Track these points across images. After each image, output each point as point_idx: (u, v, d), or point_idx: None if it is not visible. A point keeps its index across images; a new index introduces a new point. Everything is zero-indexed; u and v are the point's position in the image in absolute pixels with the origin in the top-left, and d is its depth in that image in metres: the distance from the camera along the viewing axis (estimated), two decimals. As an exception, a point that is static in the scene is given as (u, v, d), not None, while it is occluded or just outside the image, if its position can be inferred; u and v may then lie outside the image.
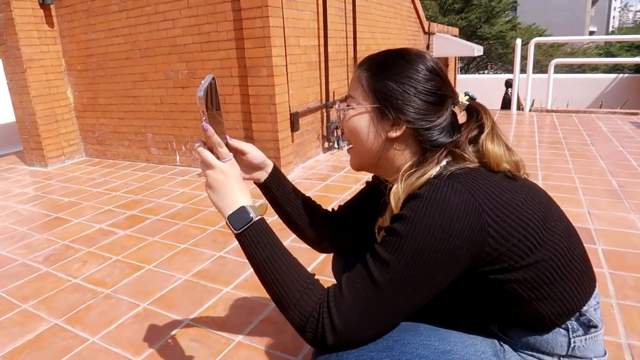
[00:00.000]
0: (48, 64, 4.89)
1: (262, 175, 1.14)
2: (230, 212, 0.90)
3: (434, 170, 0.87)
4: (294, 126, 3.89)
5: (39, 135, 4.85)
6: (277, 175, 1.17)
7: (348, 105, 0.97)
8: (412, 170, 0.89)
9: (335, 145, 4.69)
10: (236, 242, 0.91)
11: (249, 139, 3.89)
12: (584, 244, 0.94)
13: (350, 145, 1.01)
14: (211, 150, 0.94)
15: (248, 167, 1.11)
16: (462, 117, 0.98)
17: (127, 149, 4.91)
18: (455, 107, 0.95)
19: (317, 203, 1.25)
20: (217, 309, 1.96)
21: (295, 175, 3.92)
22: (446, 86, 0.93)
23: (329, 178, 3.75)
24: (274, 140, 3.74)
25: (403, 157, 0.94)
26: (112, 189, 3.94)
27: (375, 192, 1.13)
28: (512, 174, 0.89)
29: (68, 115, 5.14)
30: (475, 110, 0.94)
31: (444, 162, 0.89)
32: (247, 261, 0.91)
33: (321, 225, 1.22)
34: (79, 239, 2.89)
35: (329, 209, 1.27)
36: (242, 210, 0.90)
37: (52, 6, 4.84)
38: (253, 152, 1.09)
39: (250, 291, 2.07)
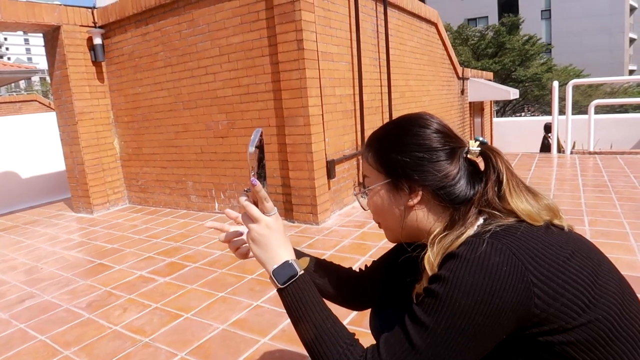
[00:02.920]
0: (98, 116, 5.20)
1: None
2: (275, 266, 0.90)
3: (471, 230, 0.84)
4: (330, 173, 3.93)
5: (87, 183, 5.09)
6: None
7: (365, 187, 1.00)
8: (444, 234, 0.87)
9: (372, 192, 4.68)
10: (273, 291, 0.92)
11: (286, 186, 3.95)
12: (639, 294, 0.88)
13: (379, 223, 1.03)
14: (256, 204, 0.95)
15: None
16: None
17: (168, 197, 5.07)
18: (468, 155, 0.93)
19: (337, 264, 1.24)
20: (254, 361, 1.94)
21: (332, 222, 3.93)
22: (451, 139, 0.93)
23: (365, 225, 3.74)
24: (311, 188, 3.78)
25: (428, 220, 0.93)
26: (153, 236, 4.05)
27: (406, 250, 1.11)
28: (555, 225, 0.85)
29: (114, 165, 5.39)
30: (487, 155, 0.92)
31: (480, 221, 0.86)
32: (284, 311, 0.91)
33: (348, 286, 1.20)
34: (121, 285, 2.96)
35: (362, 267, 1.25)
36: (287, 265, 0.90)
37: (103, 63, 5.20)
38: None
39: (287, 343, 2.04)
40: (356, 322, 2.12)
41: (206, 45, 4.27)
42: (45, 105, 11.72)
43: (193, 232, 4.04)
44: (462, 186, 0.89)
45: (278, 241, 0.93)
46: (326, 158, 3.93)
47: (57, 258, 3.71)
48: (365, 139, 1.02)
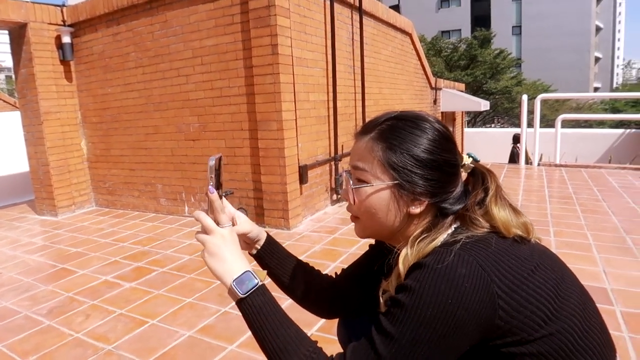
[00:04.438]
0: (64, 116, 5.04)
1: (256, 246, 1.13)
2: (235, 277, 0.88)
3: (442, 236, 0.85)
4: (302, 179, 3.92)
5: (51, 185, 4.93)
6: (270, 244, 1.15)
7: (359, 180, 0.91)
8: (422, 236, 0.86)
9: (344, 198, 4.69)
10: None
11: (257, 191, 3.92)
12: (601, 305, 0.90)
13: (358, 217, 0.96)
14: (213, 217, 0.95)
15: (241, 240, 1.10)
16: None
17: (136, 199, 4.95)
18: (462, 170, 0.93)
19: (315, 269, 1.22)
20: (220, 369, 1.90)
21: (304, 227, 3.91)
22: (458, 152, 0.92)
23: (337, 231, 3.73)
24: (283, 193, 3.76)
25: (417, 226, 0.91)
26: (119, 240, 3.94)
27: (379, 255, 1.09)
28: (522, 238, 0.86)
29: (81, 166, 5.23)
30: (480, 173, 0.93)
31: (452, 229, 0.86)
32: None
33: (320, 291, 1.18)
34: (84, 291, 2.86)
35: (332, 274, 1.23)
36: (247, 276, 0.88)
37: (72, 62, 5.06)
38: (245, 225, 1.08)
39: (255, 350, 2.00)
40: (325, 329, 2.10)
41: (179, 47, 4.21)
42: (10, 104, 11.30)
43: (162, 236, 3.95)
44: (458, 201, 0.89)
45: (233, 253, 0.91)
46: (299, 163, 3.92)
47: (17, 262, 3.56)
48: (364, 124, 0.95)
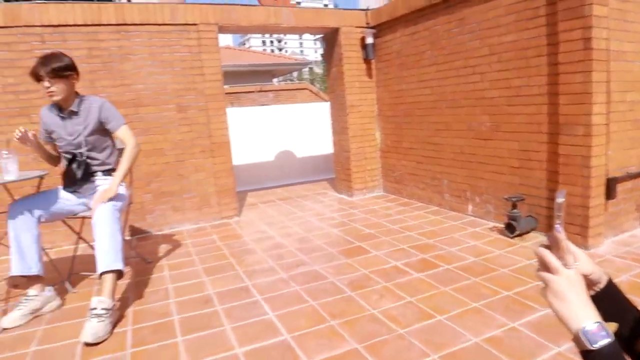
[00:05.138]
0: (364, 109, 5.72)
1: (594, 288, 1.05)
2: (583, 325, 0.85)
3: None
4: (609, 193, 3.42)
5: (350, 169, 5.70)
6: (611, 290, 1.04)
7: None
8: None
9: (661, 221, 3.87)
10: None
11: (551, 200, 3.63)
12: None
13: None
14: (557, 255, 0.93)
15: None
16: None
17: (421, 191, 5.26)
18: None
19: None
20: (511, 387, 1.89)
21: (605, 250, 3.43)
22: None
23: (649, 260, 3.15)
24: (583, 207, 3.37)
25: None
26: (406, 228, 4.28)
27: None
28: None
29: (374, 154, 5.88)
30: None
31: None
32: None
33: None
34: (377, 271, 3.23)
35: None
36: (599, 327, 0.84)
37: (372, 61, 5.65)
38: (587, 266, 1.00)
39: (551, 378, 1.91)
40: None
41: (475, 44, 4.20)
42: (314, 93, 13.43)
43: (446, 232, 4.10)
44: None
45: (581, 297, 0.88)
46: (607, 175, 3.43)
47: (323, 233, 4.28)
48: None
